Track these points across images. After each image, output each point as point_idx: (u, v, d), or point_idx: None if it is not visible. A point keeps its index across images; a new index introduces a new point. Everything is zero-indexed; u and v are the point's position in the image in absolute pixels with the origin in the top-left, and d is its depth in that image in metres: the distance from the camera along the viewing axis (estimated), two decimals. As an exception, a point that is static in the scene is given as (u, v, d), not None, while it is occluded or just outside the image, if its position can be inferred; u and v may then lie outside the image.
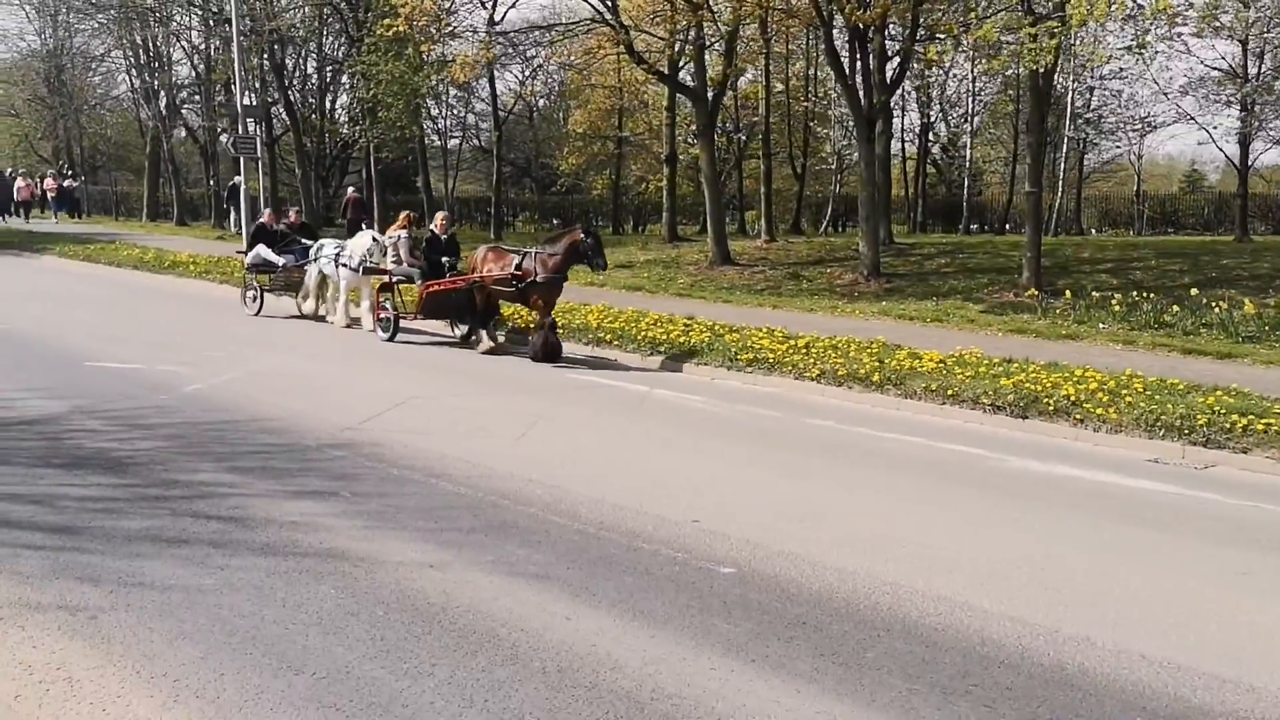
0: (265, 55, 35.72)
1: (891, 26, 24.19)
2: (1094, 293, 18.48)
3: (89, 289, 21.65)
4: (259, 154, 25.77)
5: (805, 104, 38.55)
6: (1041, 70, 18.32)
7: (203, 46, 43.14)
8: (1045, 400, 11.31)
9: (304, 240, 18.50)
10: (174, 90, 46.04)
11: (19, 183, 42.74)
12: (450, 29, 26.83)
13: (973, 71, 36.93)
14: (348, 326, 16.76)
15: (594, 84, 42.07)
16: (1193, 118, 32.51)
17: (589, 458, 8.93)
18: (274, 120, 40.25)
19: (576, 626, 5.18)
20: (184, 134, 50.59)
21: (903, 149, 42.85)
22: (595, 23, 24.37)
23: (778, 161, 40.39)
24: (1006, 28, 16.37)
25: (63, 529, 6.29)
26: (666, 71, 26.70)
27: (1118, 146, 42.01)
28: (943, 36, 22.12)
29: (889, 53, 24.53)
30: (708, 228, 26.00)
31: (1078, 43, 17.43)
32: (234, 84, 28.33)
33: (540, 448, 9.21)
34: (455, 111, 47.80)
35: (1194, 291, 17.32)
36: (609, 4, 23.58)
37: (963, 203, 40.36)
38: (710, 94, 25.44)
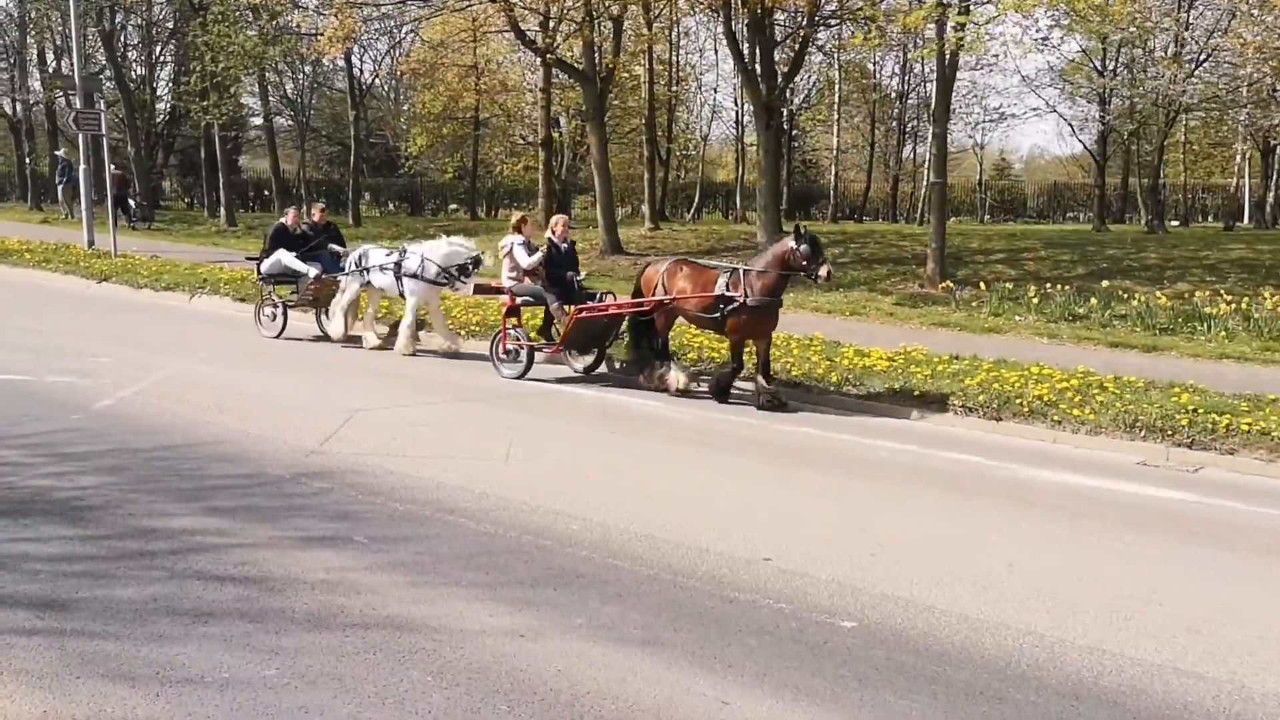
0: (94, 23, 32.86)
1: (782, 13, 23.91)
2: (1005, 284, 18.60)
3: (-83, 281, 19.27)
4: (104, 130, 23.44)
5: (673, 89, 38.07)
6: (948, 58, 18.30)
7: (16, 12, 39.44)
8: (1018, 401, 11.08)
9: (334, 246, 15.19)
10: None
11: None
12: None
13: (837, 59, 37.16)
14: (411, 355, 13.57)
15: (447, 63, 40.42)
16: (1054, 109, 33.60)
17: (596, 480, 8.10)
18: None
19: (742, 713, 4.41)
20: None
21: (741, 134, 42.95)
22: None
23: (631, 145, 39.98)
24: (926, 17, 16.21)
25: (50, 603, 5.09)
26: (542, 49, 25.68)
27: (970, 137, 43.22)
28: (836, 22, 21.90)
29: (779, 39, 24.24)
30: (598, 215, 25.18)
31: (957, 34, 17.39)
32: (71, 54, 25.76)
33: (537, 468, 8.35)
34: (279, 88, 44.97)
35: (1105, 284, 17.63)
36: (493, -21, 22.47)
37: (830, 191, 40.71)
38: (600, 76, 24.55)
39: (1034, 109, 42.04)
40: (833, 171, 41.44)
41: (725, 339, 12.13)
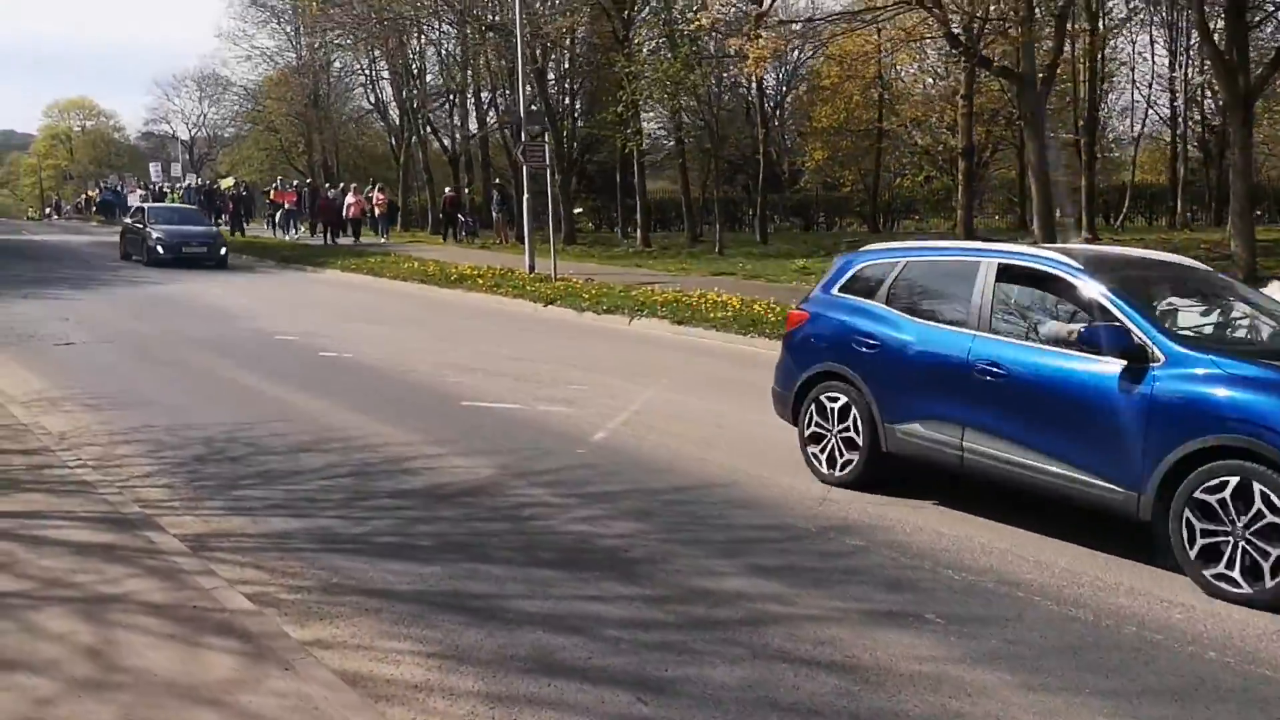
0: (528, 61, 35.15)
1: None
2: None
3: (396, 306, 21.24)
4: (548, 162, 24.75)
5: (1102, 86, 35.12)
6: None
7: (459, 55, 43.18)
8: None
9: None
10: (425, 99, 46.47)
11: (349, 199, 38.55)
12: (748, 22, 25.15)
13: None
14: None
15: (855, 75, 39.79)
16: None
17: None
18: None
19: None
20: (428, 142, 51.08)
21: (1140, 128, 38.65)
22: (912, 6, 22.11)
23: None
24: None
25: (645, 683, 4.71)
26: (976, 53, 24.18)
27: None
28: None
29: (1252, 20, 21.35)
30: (1034, 229, 23.39)
31: None
32: (512, 90, 27.55)
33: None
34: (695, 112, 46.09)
35: None
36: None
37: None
38: (1040, 77, 22.76)
39: None
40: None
41: None
